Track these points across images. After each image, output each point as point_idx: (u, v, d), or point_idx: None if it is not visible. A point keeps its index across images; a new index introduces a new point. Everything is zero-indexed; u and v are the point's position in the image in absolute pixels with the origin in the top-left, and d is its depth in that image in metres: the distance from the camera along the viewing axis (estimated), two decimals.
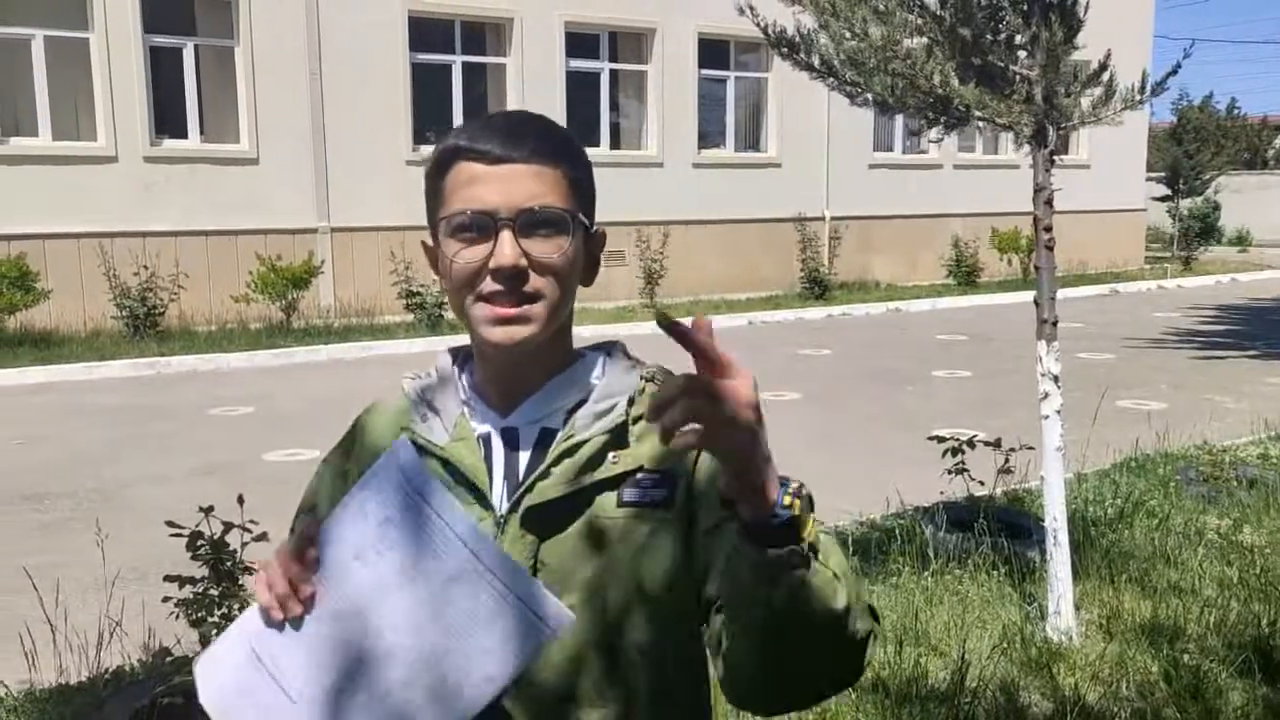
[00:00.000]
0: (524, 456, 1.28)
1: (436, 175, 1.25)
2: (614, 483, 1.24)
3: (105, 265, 11.85)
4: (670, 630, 1.24)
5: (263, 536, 3.58)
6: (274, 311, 12.75)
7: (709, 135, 16.98)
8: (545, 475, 1.24)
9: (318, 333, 12.52)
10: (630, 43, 16.22)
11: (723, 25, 15.53)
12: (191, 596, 3.53)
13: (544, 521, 1.23)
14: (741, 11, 4.59)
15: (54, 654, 3.77)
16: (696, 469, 1.25)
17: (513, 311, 1.21)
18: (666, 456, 1.24)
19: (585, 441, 1.25)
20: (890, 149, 18.69)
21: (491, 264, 1.19)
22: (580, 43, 15.56)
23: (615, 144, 16.27)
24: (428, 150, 14.38)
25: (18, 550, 5.50)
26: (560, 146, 1.25)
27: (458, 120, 14.77)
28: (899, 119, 16.59)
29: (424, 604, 1.09)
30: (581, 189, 1.26)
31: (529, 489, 1.24)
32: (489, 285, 1.21)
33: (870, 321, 14.84)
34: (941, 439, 5.22)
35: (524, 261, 1.20)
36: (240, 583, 3.58)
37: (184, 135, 13.14)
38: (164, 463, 7.28)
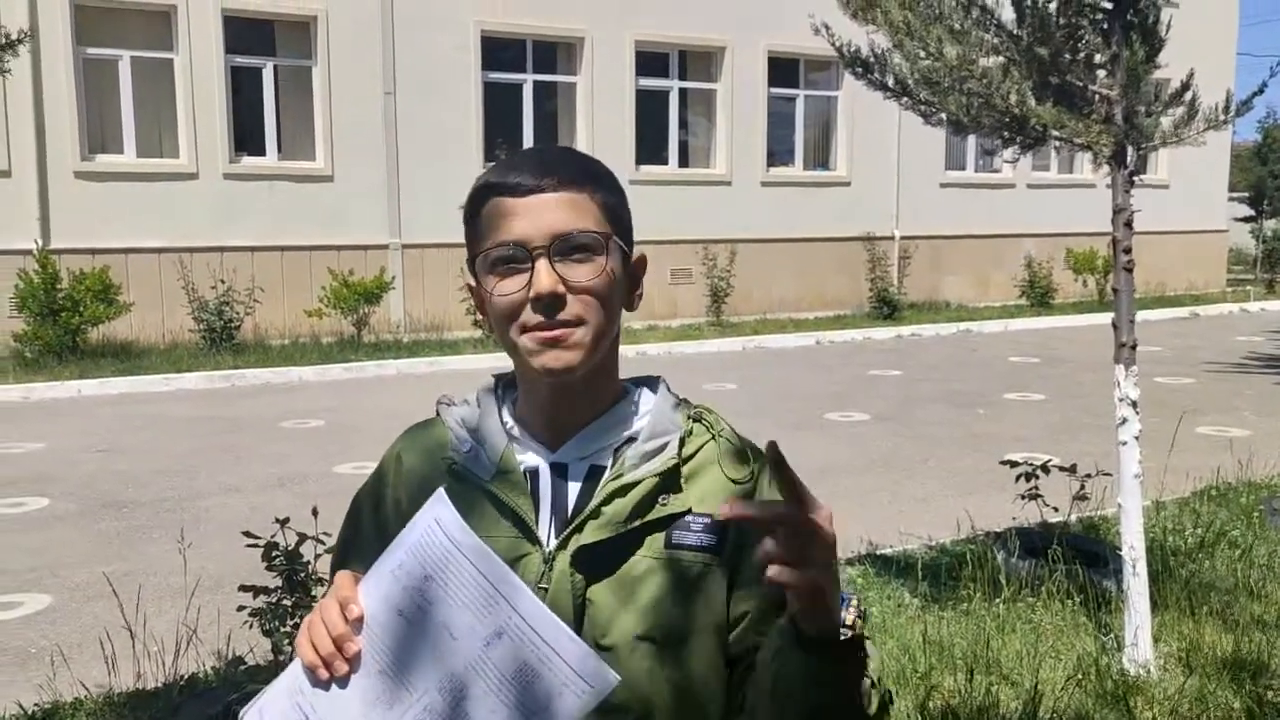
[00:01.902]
0: (573, 493, 1.27)
1: (472, 216, 1.27)
2: (663, 524, 1.24)
3: (184, 279, 12.16)
4: (710, 675, 1.25)
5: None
6: (345, 326, 12.97)
7: (778, 153, 16.94)
8: (596, 514, 1.23)
9: (387, 347, 12.69)
10: (700, 61, 16.27)
11: (793, 44, 15.55)
12: (265, 606, 3.60)
13: (593, 561, 1.22)
14: (817, 31, 4.59)
15: (133, 660, 3.85)
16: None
17: (557, 335, 1.21)
18: (716, 500, 1.24)
19: (636, 483, 1.24)
20: (962, 168, 18.48)
21: (530, 293, 1.20)
22: (650, 61, 15.65)
23: (684, 162, 16.31)
24: None
25: (99, 557, 5.65)
26: (589, 172, 1.26)
27: (529, 139, 14.94)
28: (971, 138, 16.40)
29: (467, 662, 1.08)
30: (614, 213, 1.27)
31: (579, 528, 1.23)
32: (531, 315, 1.21)
33: (940, 342, 14.65)
34: (1014, 463, 5.13)
35: (561, 287, 1.20)
36: (313, 594, 3.63)
37: (262, 153, 13.46)
38: (238, 473, 7.43)
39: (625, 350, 11.20)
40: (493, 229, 1.23)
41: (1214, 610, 4.51)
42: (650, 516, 1.23)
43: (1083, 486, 5.03)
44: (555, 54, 15.29)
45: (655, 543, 1.23)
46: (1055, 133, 3.94)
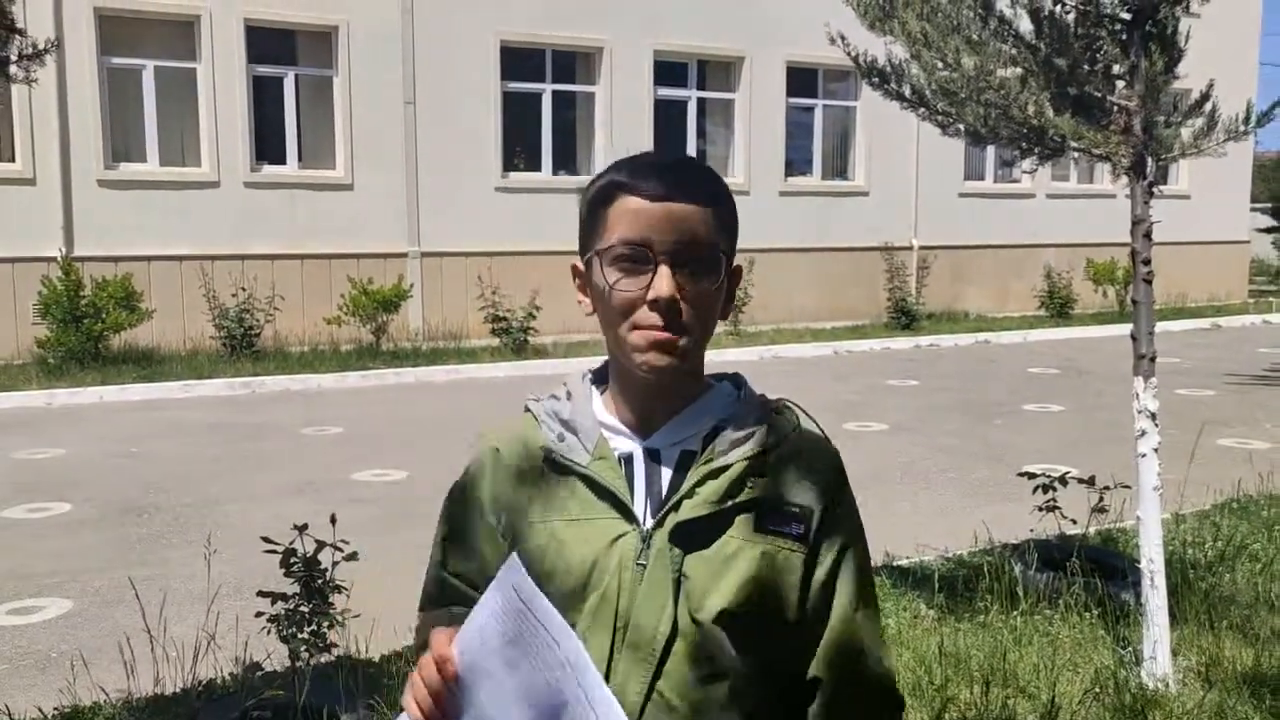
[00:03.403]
0: (665, 476, 1.36)
1: (599, 206, 1.35)
2: (751, 507, 1.33)
3: (205, 287, 12.25)
4: (786, 651, 1.34)
5: (353, 556, 3.66)
6: (364, 334, 13.03)
7: (796, 163, 16.93)
8: (690, 494, 1.32)
9: (406, 355, 12.74)
10: (718, 71, 16.29)
11: (811, 54, 15.56)
12: (283, 613, 3.62)
13: (689, 538, 1.31)
14: (833, 41, 4.59)
15: (152, 665, 3.88)
16: (826, 512, 1.36)
17: (664, 338, 1.30)
18: (802, 491, 1.35)
19: (727, 466, 1.33)
20: (981, 178, 18.42)
21: (649, 295, 1.29)
22: (669, 71, 15.68)
23: None
24: (517, 177, 14.65)
25: (119, 562, 5.69)
26: (715, 190, 1.35)
27: (547, 149, 14.99)
28: (990, 148, 16.36)
29: None
30: (729, 230, 1.36)
31: (675, 506, 1.32)
32: (644, 315, 1.30)
33: (959, 352, 14.60)
34: (1032, 475, 5.11)
35: (677, 295, 1.29)
36: (330, 600, 3.65)
37: (283, 162, 13.55)
38: (258, 480, 7.47)
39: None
40: (620, 227, 1.31)
41: (1234, 624, 4.47)
42: (741, 498, 1.32)
43: (1101, 499, 5.01)
44: (574, 64, 15.34)
45: (745, 524, 1.33)
46: (1074, 144, 3.94)
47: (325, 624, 3.64)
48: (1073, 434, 8.98)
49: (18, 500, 6.94)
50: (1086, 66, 3.94)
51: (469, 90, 14.11)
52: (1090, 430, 9.06)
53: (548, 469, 1.38)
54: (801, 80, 16.62)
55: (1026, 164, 4.37)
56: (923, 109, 4.34)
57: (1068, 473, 5.17)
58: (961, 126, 4.29)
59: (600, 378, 1.45)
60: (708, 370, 1.44)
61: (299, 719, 3.39)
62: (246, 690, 3.63)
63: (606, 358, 1.44)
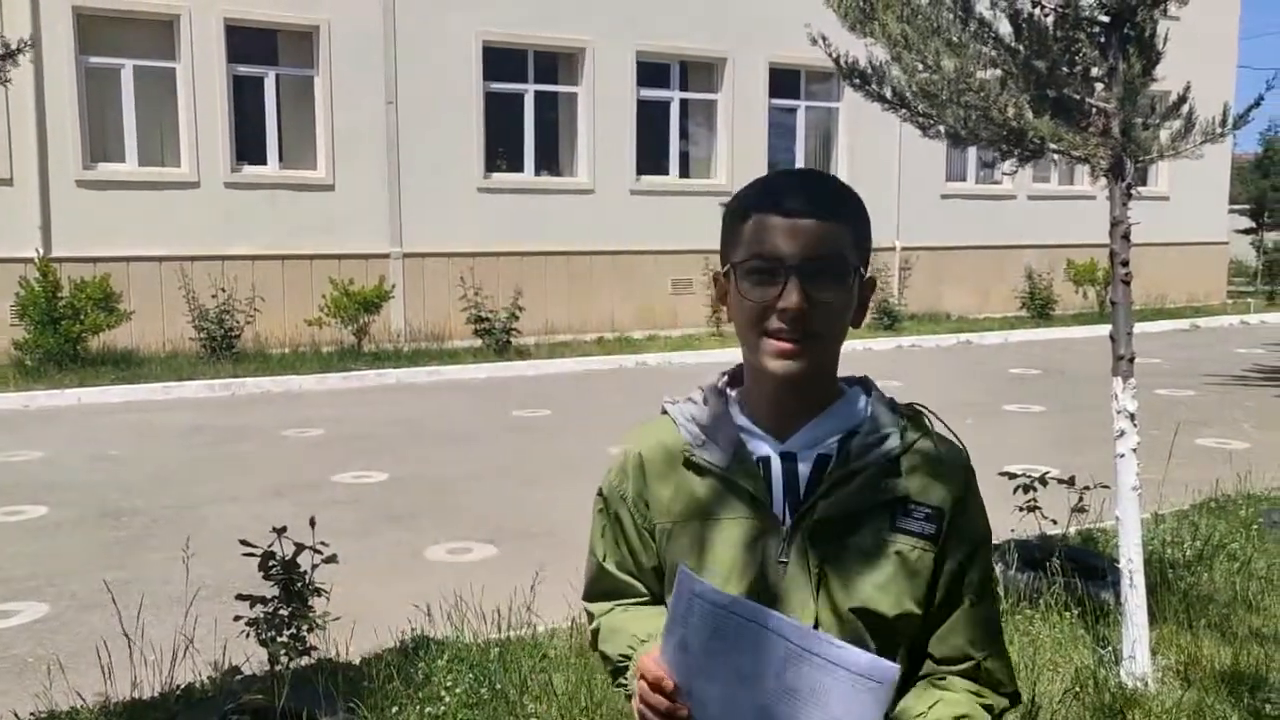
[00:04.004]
0: (803, 479, 1.44)
1: (736, 221, 1.43)
2: (886, 507, 1.41)
3: (185, 288, 12.17)
4: (918, 648, 1.44)
5: (332, 558, 3.63)
6: (346, 335, 12.97)
7: (779, 164, 16.94)
8: (828, 495, 1.40)
9: (388, 356, 12.70)
10: (701, 72, 16.30)
11: (793, 55, 15.58)
12: (262, 616, 3.59)
13: (827, 537, 1.40)
14: (814, 42, 4.59)
15: (129, 669, 3.85)
16: (956, 513, 1.43)
17: (794, 347, 1.38)
18: (933, 492, 1.43)
19: (863, 469, 1.41)
20: (963, 179, 18.49)
21: (780, 305, 1.37)
22: (651, 72, 15.67)
23: (684, 172, 16.33)
24: (500, 177, 14.62)
25: (97, 565, 5.65)
26: (847, 205, 1.43)
27: (529, 149, 14.97)
28: (971, 149, 16.43)
29: (771, 700, 1.22)
30: (861, 243, 1.43)
31: (813, 507, 1.40)
32: (775, 323, 1.38)
33: (940, 353, 14.66)
34: (1012, 475, 5.12)
35: (807, 305, 1.36)
36: (309, 603, 3.62)
37: (264, 162, 13.48)
38: (237, 482, 7.43)
39: (624, 360, 11.07)
40: (754, 240, 1.39)
41: (1212, 623, 4.50)
42: (876, 499, 1.41)
43: (1081, 499, 5.03)
44: (557, 64, 15.31)
45: (880, 524, 1.41)
46: (1053, 145, 3.95)
47: (304, 627, 3.61)
48: (1053, 434, 9.02)
49: None
50: (1065, 69, 3.95)
51: (451, 90, 14.07)
52: (1071, 431, 9.10)
53: (687, 471, 1.47)
54: (784, 81, 16.65)
55: (1007, 165, 4.38)
56: (904, 110, 4.35)
57: (1048, 473, 5.19)
58: (942, 128, 4.30)
59: (735, 380, 1.53)
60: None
61: None
62: (225, 694, 3.60)
63: (739, 362, 1.52)
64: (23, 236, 11.87)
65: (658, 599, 1.55)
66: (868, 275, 1.45)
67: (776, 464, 1.44)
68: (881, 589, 1.38)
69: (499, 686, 3.75)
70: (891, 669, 1.20)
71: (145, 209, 12.56)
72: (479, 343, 13.28)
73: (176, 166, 12.91)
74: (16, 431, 9.10)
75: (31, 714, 3.70)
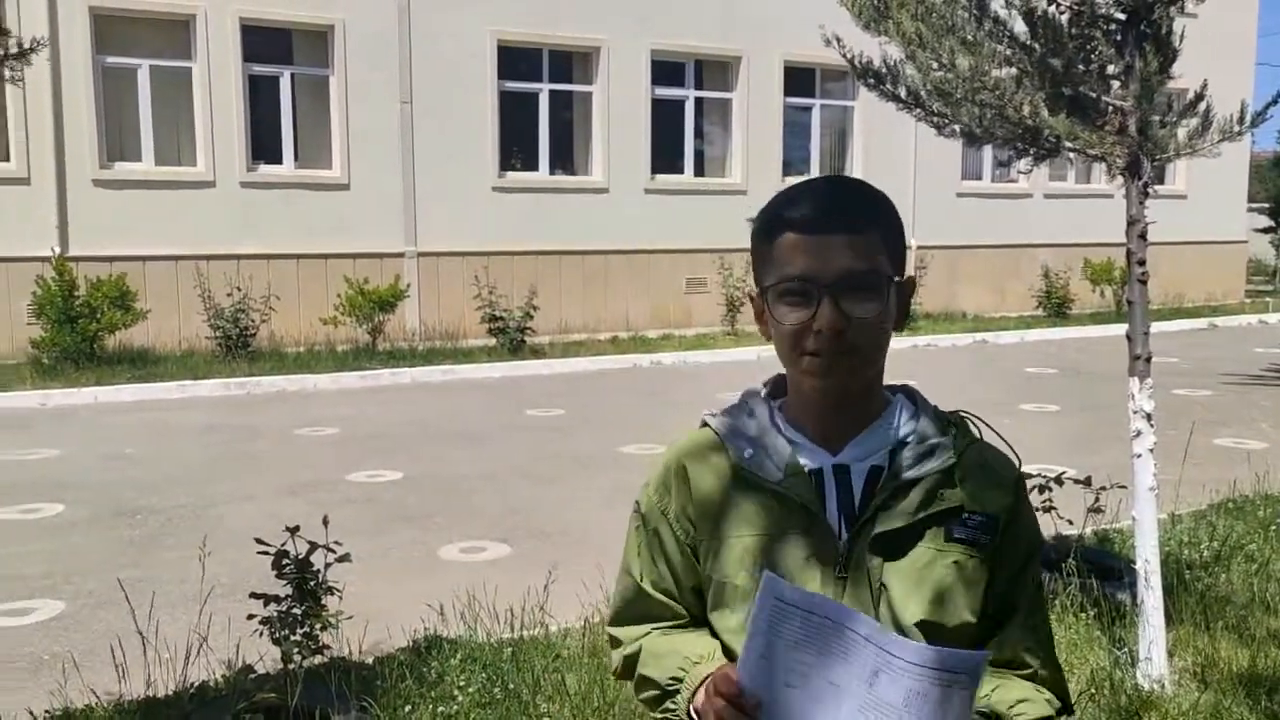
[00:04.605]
0: (857, 491, 1.42)
1: (764, 241, 1.42)
2: (941, 518, 1.40)
3: (201, 287, 12.22)
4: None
5: (345, 557, 3.63)
6: (361, 334, 13.01)
7: (793, 163, 16.91)
8: (885, 507, 1.39)
9: (402, 355, 12.72)
10: (716, 70, 16.28)
11: (809, 53, 15.54)
12: (276, 615, 3.60)
13: (886, 550, 1.39)
14: (828, 42, 4.57)
15: (144, 667, 3.86)
16: (1009, 520, 1.42)
17: (834, 365, 1.37)
18: (986, 500, 1.41)
19: (917, 480, 1.40)
20: (979, 178, 18.42)
21: (815, 326, 1.35)
22: (666, 70, 15.66)
23: (699, 171, 16.31)
24: (514, 176, 14.64)
25: (112, 564, 5.67)
26: (874, 212, 1.41)
27: (544, 148, 14.98)
28: (987, 148, 16.36)
29: (860, 706, 1.20)
30: (892, 248, 1.41)
31: (870, 520, 1.39)
32: (813, 344, 1.36)
33: (956, 352, 14.60)
34: (1029, 475, 5.09)
35: (842, 323, 1.35)
36: (323, 602, 3.63)
37: (279, 161, 13.52)
38: (252, 481, 7.45)
39: (639, 359, 11.04)
40: (784, 262, 1.38)
41: (1230, 624, 4.46)
42: (931, 510, 1.39)
43: (1097, 499, 4.99)
44: (571, 63, 15.32)
45: (936, 535, 1.40)
46: (1069, 144, 3.92)
47: (317, 626, 3.61)
48: (1069, 434, 8.97)
49: (10, 501, 6.91)
50: (1081, 67, 3.92)
51: (466, 89, 14.09)
52: (1087, 430, 9.05)
53: (737, 485, 1.44)
54: (799, 80, 16.61)
55: (1022, 164, 4.35)
56: (918, 110, 4.32)
57: (1064, 473, 5.15)
58: (957, 127, 4.27)
59: (777, 389, 1.51)
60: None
61: None
62: (238, 693, 3.61)
63: (777, 372, 1.51)
64: (40, 235, 11.94)
65: (698, 622, 1.49)
66: (905, 277, 1.43)
67: (829, 476, 1.42)
68: (942, 601, 1.37)
69: (512, 686, 3.74)
70: (980, 659, 1.18)
71: (161, 208, 12.62)
72: (493, 342, 13.30)
73: (193, 166, 12.97)
74: (33, 429, 9.16)
75: (46, 712, 3.72)
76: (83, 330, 11.18)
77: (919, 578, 1.38)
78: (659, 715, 1.47)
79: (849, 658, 1.20)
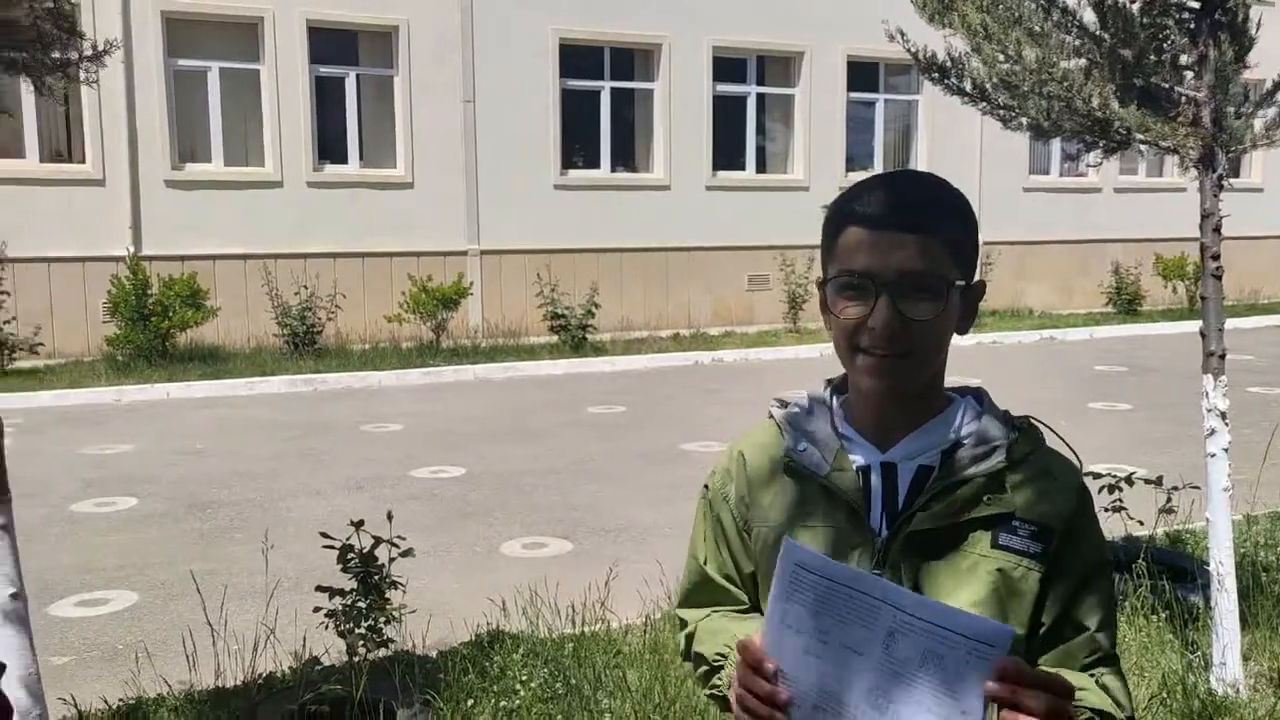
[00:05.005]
0: (902, 489, 1.41)
1: (830, 232, 1.41)
2: (988, 523, 1.36)
3: (269, 285, 12.44)
4: None
5: (409, 552, 3.68)
6: (424, 331, 13.14)
7: (857, 158, 16.76)
8: (926, 507, 1.37)
9: (465, 352, 12.83)
10: (778, 66, 16.19)
11: (872, 48, 15.39)
12: (341, 608, 3.65)
13: (923, 550, 1.37)
14: (891, 37, 4.52)
15: (213, 657, 3.95)
16: (1067, 533, 1.37)
17: (888, 365, 1.35)
18: (1040, 509, 1.37)
19: (965, 481, 1.37)
20: (1046, 172, 18.08)
21: (870, 323, 1.33)
22: (728, 67, 15.61)
23: (761, 168, 16.23)
24: (576, 174, 14.70)
25: (183, 557, 5.80)
26: (943, 212, 1.37)
27: (605, 146, 15.01)
28: (1055, 141, 16.07)
29: (878, 669, 1.19)
30: (961, 250, 1.38)
31: (909, 518, 1.37)
32: (868, 340, 1.35)
33: (1022, 350, 14.36)
34: (1097, 475, 4.99)
35: (899, 323, 1.33)
36: (387, 596, 3.67)
37: (344, 161, 13.72)
38: (318, 476, 7.57)
39: (700, 356, 10.98)
40: (846, 255, 1.36)
41: None
42: (976, 514, 1.36)
43: (1169, 499, 4.88)
44: (633, 60, 15.33)
45: (981, 541, 1.36)
46: (1140, 136, 3.84)
47: (382, 619, 3.66)
48: (1140, 433, 8.79)
49: (87, 495, 7.10)
50: (1153, 57, 3.83)
51: (528, 88, 14.17)
52: (1158, 429, 8.85)
53: (788, 476, 1.46)
54: (862, 75, 16.45)
55: (1091, 157, 4.27)
56: (984, 103, 4.26)
57: (1134, 473, 5.05)
58: (1024, 120, 4.19)
59: (841, 387, 1.50)
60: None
61: (356, 713, 3.42)
62: (304, 684, 3.67)
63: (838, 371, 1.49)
64: (114, 235, 12.24)
65: (755, 608, 1.51)
66: (974, 280, 1.41)
67: (876, 473, 1.41)
68: (979, 606, 1.33)
69: (573, 681, 3.76)
70: (1008, 631, 1.15)
71: (231, 208, 12.87)
72: (555, 339, 13.36)
73: (260, 166, 13.20)
74: (108, 425, 9.39)
75: (120, 700, 3.81)
76: (155, 328, 11.45)
77: (958, 581, 1.35)
78: (708, 692, 1.51)
79: (866, 621, 1.19)
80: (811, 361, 12.95)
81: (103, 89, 11.07)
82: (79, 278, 12.15)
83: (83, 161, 12.35)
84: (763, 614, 1.44)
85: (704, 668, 1.51)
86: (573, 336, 13.17)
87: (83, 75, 3.38)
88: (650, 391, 11.06)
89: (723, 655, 1.46)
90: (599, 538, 6.16)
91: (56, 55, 3.07)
